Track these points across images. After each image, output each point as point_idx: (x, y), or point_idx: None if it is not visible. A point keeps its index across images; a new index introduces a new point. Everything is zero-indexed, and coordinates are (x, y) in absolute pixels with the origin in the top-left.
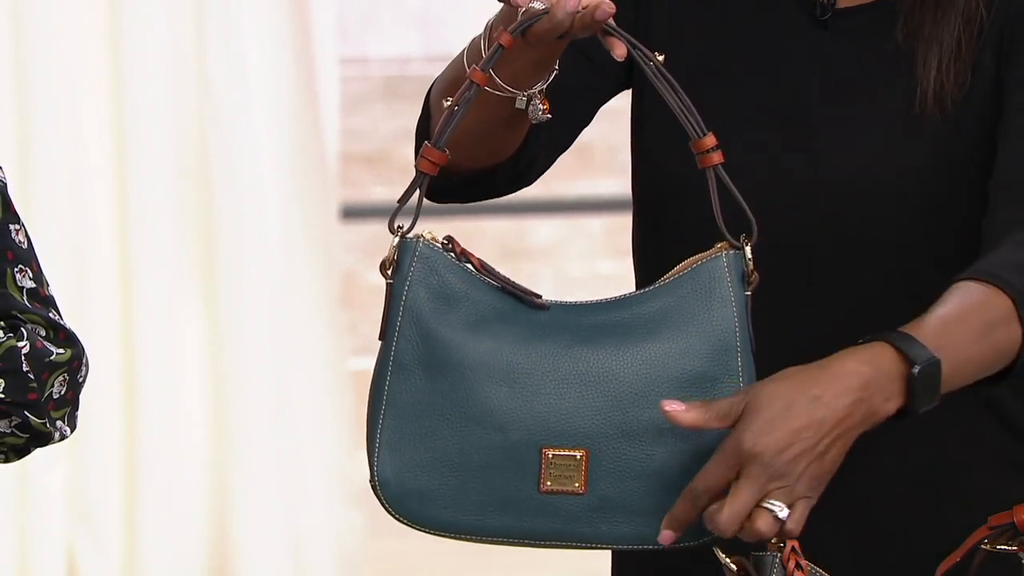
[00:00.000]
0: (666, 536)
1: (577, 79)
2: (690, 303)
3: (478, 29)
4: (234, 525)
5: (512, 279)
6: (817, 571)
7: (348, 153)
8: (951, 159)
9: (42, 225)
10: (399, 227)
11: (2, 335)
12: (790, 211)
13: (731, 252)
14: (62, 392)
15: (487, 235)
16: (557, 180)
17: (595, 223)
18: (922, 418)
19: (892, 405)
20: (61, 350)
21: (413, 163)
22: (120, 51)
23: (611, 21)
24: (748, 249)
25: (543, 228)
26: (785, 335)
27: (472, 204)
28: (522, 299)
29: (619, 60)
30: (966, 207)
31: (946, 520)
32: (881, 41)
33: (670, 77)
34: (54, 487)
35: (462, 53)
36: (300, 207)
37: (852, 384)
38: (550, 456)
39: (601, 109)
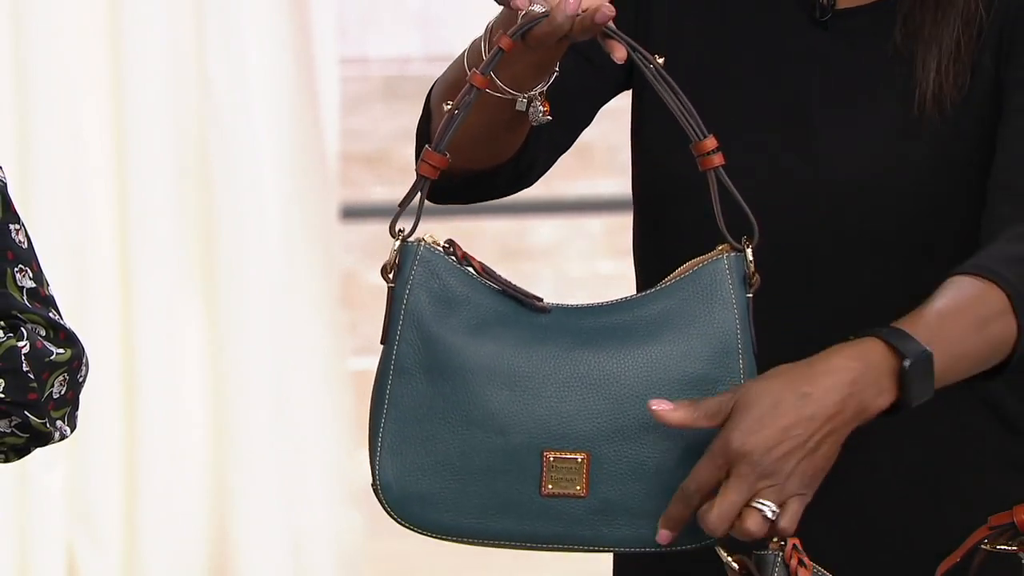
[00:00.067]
0: (663, 536)
1: (577, 81)
2: (691, 305)
3: (478, 30)
4: (234, 525)
5: (513, 282)
6: (820, 571)
7: (348, 153)
8: (950, 160)
9: (42, 225)
10: (400, 231)
11: (2, 335)
12: (790, 211)
13: (732, 254)
14: (62, 392)
15: (487, 235)
16: (557, 180)
17: (595, 223)
18: (922, 418)
19: (884, 400)
20: (61, 350)
21: (413, 163)
22: (120, 51)
23: (611, 24)
24: (749, 251)
25: (543, 228)
26: (785, 335)
27: (472, 204)
28: (523, 302)
29: (619, 63)
30: (966, 208)
31: (946, 520)
32: (881, 42)
33: (670, 79)
34: (54, 487)
35: (462, 55)
36: (300, 207)
37: (842, 380)
38: (551, 459)
39: (601, 109)
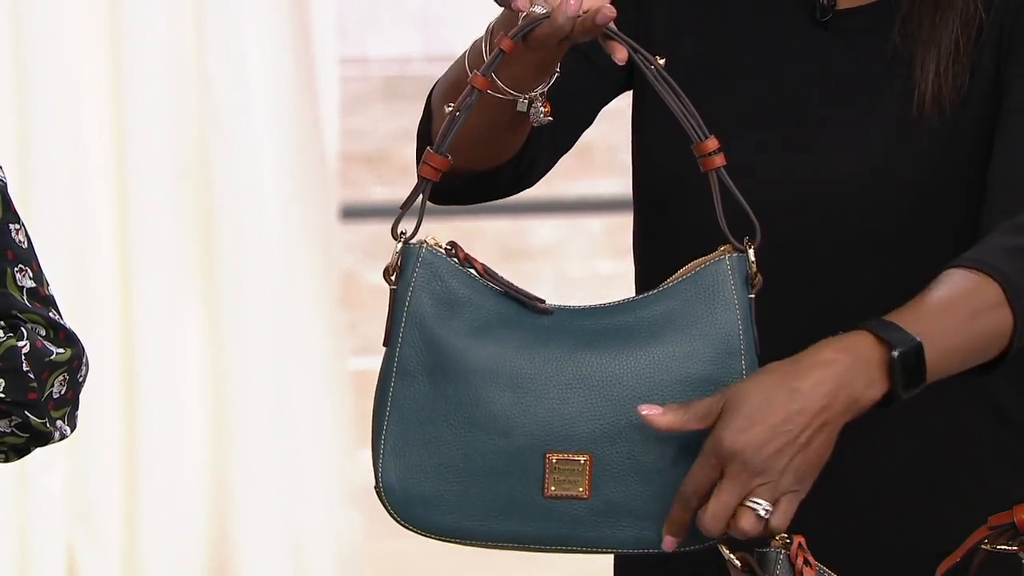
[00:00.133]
0: (668, 542)
1: (578, 81)
2: (694, 306)
3: (478, 30)
4: (234, 525)
5: (515, 284)
6: (824, 570)
7: (348, 153)
8: (950, 160)
9: (42, 225)
10: (402, 233)
11: (2, 335)
12: (790, 211)
13: (734, 255)
14: (62, 392)
15: (487, 235)
16: (557, 180)
17: (595, 223)
18: (922, 418)
19: (875, 391)
20: (61, 350)
21: (413, 163)
22: (120, 51)
23: (612, 25)
24: (751, 252)
25: (543, 228)
26: (785, 336)
27: (472, 205)
28: (525, 304)
29: (620, 64)
30: (965, 208)
31: (946, 520)
32: (881, 42)
33: (671, 80)
34: (54, 487)
35: (463, 55)
36: (300, 207)
37: (830, 373)
38: (554, 461)
39: (601, 109)
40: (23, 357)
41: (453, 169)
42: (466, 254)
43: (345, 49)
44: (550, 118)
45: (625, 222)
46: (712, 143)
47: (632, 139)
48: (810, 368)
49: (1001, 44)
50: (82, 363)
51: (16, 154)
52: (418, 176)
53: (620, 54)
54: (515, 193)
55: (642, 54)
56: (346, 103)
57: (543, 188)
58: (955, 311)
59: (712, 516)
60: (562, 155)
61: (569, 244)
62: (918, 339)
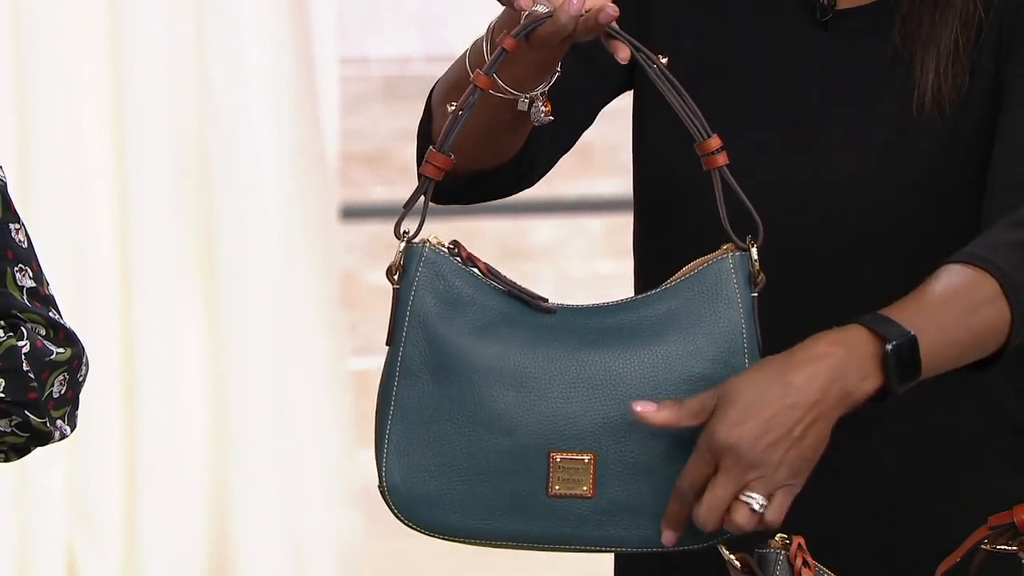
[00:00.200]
0: (668, 537)
1: (578, 81)
2: (696, 305)
3: (478, 30)
4: (234, 525)
5: (518, 283)
6: (824, 571)
7: (348, 153)
8: (950, 160)
9: (42, 225)
10: (405, 232)
11: (2, 334)
12: (790, 211)
13: (737, 253)
14: (62, 391)
15: (487, 235)
16: (557, 180)
17: (595, 223)
18: (922, 418)
19: (869, 385)
20: (61, 349)
21: (414, 163)
22: (120, 51)
23: (614, 24)
24: (754, 250)
25: (543, 228)
26: (785, 336)
27: (472, 205)
28: (529, 303)
29: (623, 63)
30: (965, 207)
31: (946, 520)
32: (881, 42)
33: (674, 79)
34: (54, 487)
35: (464, 55)
36: (300, 207)
37: (823, 366)
38: (558, 460)
39: (602, 110)
40: (23, 357)
41: (454, 169)
42: (469, 253)
43: (345, 49)
44: (551, 117)
45: (625, 222)
46: (715, 142)
47: (633, 139)
48: (804, 362)
49: (1001, 44)
50: (82, 363)
51: (16, 154)
52: (421, 175)
53: (623, 53)
54: (515, 193)
55: (645, 53)
56: (346, 103)
57: (543, 188)
58: (951, 305)
59: (707, 510)
60: (562, 155)
61: (569, 244)
62: (912, 333)
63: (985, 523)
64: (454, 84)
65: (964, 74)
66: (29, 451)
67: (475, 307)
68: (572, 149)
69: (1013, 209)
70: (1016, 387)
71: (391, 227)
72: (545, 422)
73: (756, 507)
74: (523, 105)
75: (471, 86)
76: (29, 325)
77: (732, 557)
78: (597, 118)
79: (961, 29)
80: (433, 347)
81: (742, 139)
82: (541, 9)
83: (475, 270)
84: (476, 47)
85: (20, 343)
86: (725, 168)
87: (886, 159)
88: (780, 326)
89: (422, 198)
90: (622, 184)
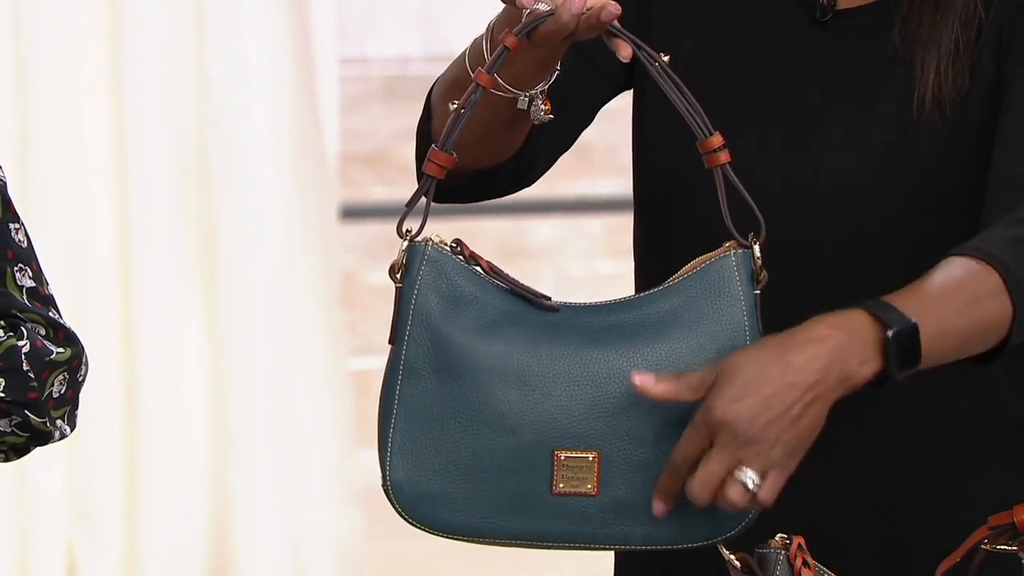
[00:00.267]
0: (658, 507)
1: (578, 80)
2: (699, 303)
3: (478, 29)
4: (234, 525)
5: (521, 281)
6: (823, 570)
7: (348, 153)
8: (950, 160)
9: (42, 225)
10: (407, 231)
11: (2, 334)
12: (790, 211)
13: (739, 251)
14: (62, 391)
15: (487, 235)
16: (557, 180)
17: (595, 223)
18: (923, 419)
19: (868, 369)
20: (61, 349)
21: (413, 163)
22: (120, 51)
23: (616, 22)
24: (757, 247)
25: (543, 228)
26: None
27: (472, 204)
28: (532, 301)
29: (624, 61)
30: (965, 208)
31: (946, 520)
32: (881, 42)
33: (675, 77)
34: (54, 487)
35: (463, 53)
36: (300, 207)
37: (824, 348)
38: (562, 458)
39: (601, 109)
40: (23, 356)
41: (454, 167)
42: (471, 252)
43: (345, 49)
44: (550, 116)
45: (625, 222)
46: (717, 139)
47: (633, 138)
48: (804, 343)
49: (1001, 44)
50: (82, 362)
51: (16, 154)
52: (423, 174)
53: (624, 51)
54: (515, 191)
55: (646, 51)
56: (346, 103)
57: (543, 188)
58: (953, 296)
59: (700, 484)
60: (562, 154)
61: (569, 244)
62: (913, 320)
63: (985, 523)
64: (454, 83)
65: (964, 74)
66: (29, 451)
67: (478, 305)
68: (571, 148)
69: (1013, 209)
70: (1016, 384)
71: (391, 227)
72: (549, 420)
73: (750, 485)
74: (523, 103)
75: (473, 84)
76: (29, 325)
77: (732, 557)
78: (596, 118)
79: (961, 29)
80: (436, 346)
81: (742, 139)
82: (543, 7)
83: (478, 268)
84: (476, 46)
85: (20, 343)
86: (727, 166)
87: (886, 159)
88: (780, 326)
89: (424, 197)
90: (622, 184)
